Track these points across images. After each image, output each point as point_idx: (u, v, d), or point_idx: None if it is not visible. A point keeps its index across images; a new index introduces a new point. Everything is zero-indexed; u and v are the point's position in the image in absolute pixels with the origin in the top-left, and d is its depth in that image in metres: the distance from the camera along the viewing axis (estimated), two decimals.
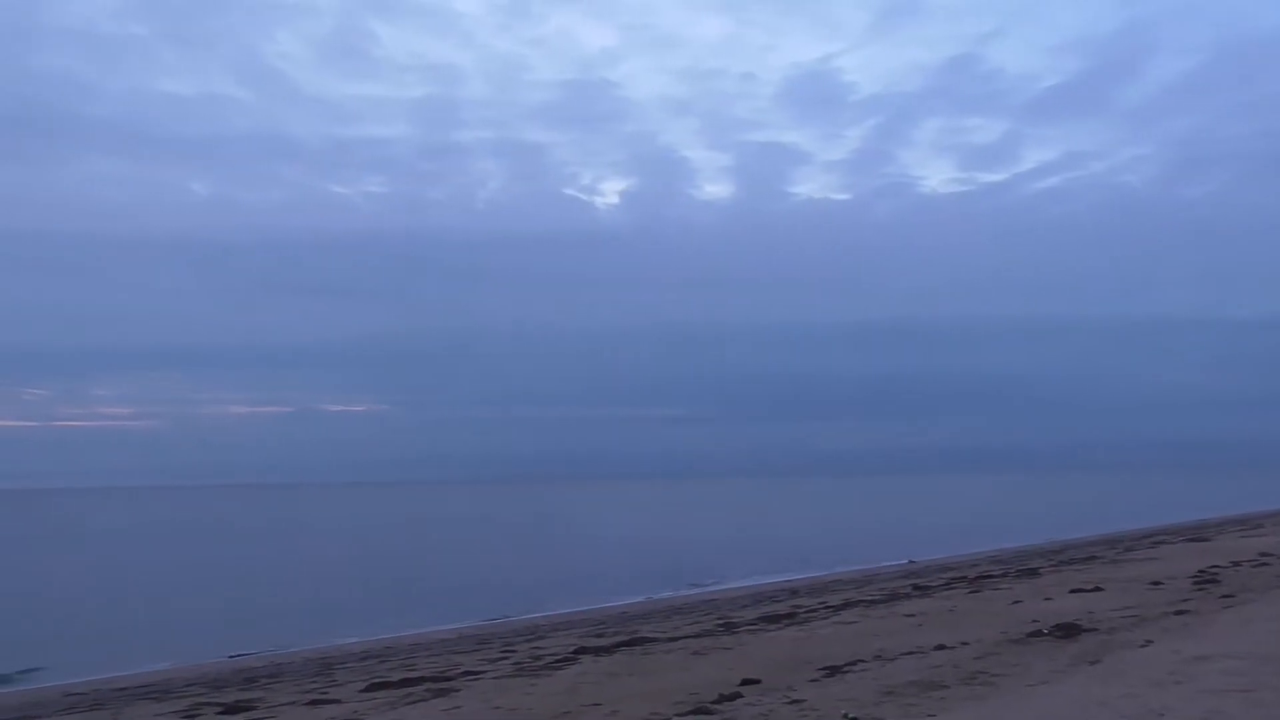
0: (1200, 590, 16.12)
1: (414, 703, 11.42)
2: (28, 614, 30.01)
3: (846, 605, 19.04)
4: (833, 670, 10.68)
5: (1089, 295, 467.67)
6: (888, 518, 76.79)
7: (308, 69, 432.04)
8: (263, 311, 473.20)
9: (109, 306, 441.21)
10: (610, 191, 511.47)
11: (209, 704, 13.19)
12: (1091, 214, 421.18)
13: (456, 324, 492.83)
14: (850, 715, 8.26)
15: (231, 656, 21.18)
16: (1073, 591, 16.96)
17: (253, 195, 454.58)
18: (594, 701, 10.18)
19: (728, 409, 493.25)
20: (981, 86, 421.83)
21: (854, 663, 11.05)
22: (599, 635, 17.70)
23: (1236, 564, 20.23)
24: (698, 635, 15.79)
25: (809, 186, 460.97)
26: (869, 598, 20.44)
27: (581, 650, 14.72)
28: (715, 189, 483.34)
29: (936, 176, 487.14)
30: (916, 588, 21.75)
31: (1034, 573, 22.44)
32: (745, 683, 10.24)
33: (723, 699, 9.49)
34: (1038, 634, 12.04)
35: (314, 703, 12.38)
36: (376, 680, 13.68)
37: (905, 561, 35.42)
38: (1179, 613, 13.32)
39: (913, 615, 15.71)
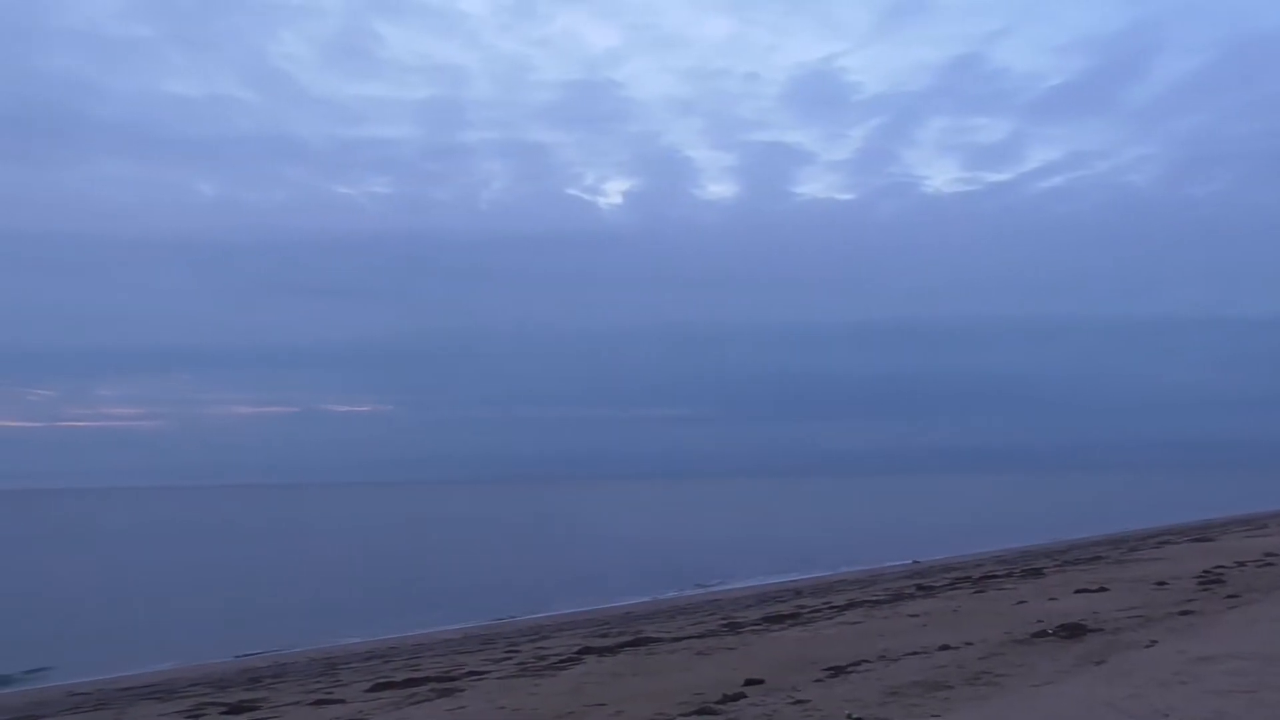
0: (1205, 590, 16.09)
1: (418, 703, 11.42)
2: (33, 614, 30.06)
3: (851, 605, 19.03)
4: (837, 670, 10.67)
5: (1094, 295, 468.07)
6: (892, 518, 76.71)
7: (313, 70, 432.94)
8: (268, 312, 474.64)
9: (114, 307, 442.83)
10: (614, 191, 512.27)
11: (213, 704, 13.20)
12: (1096, 213, 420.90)
13: (461, 324, 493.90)
14: (854, 715, 8.25)
15: (238, 656, 21.21)
16: (1078, 592, 16.93)
17: (258, 196, 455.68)
18: (598, 702, 10.18)
19: (731, 409, 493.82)
20: (986, 86, 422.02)
21: (858, 663, 11.04)
22: (603, 635, 17.70)
23: (1241, 564, 20.18)
24: (702, 635, 15.79)
25: (813, 186, 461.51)
26: (873, 598, 20.42)
27: (586, 650, 14.72)
28: (719, 189, 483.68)
29: (941, 176, 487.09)
30: (921, 588, 21.73)
31: (1039, 573, 22.41)
32: (749, 683, 10.23)
33: (727, 699, 9.48)
34: (1042, 634, 12.02)
35: (318, 703, 12.39)
36: (381, 680, 13.69)
37: (909, 562, 35.38)
38: (1184, 613, 13.29)
39: (917, 615, 15.70)
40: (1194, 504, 69.01)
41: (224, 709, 12.58)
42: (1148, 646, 10.60)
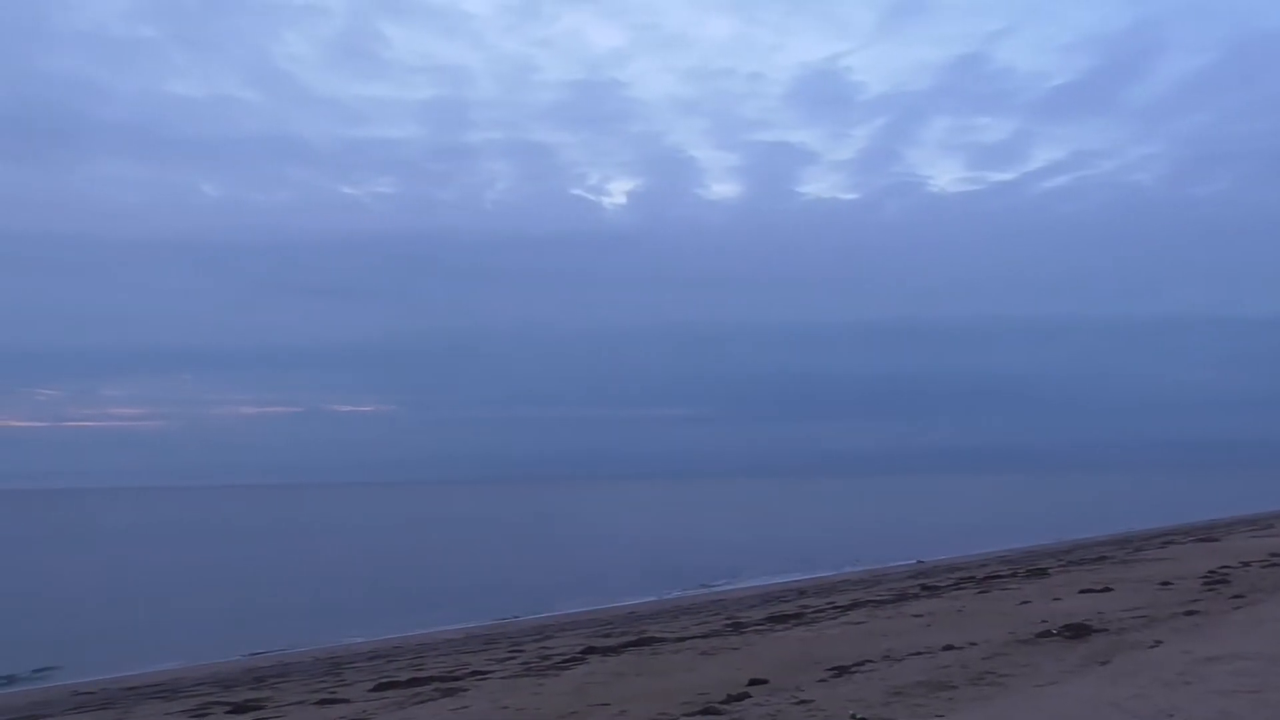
0: (1210, 591, 16.06)
1: (422, 702, 11.43)
2: (39, 614, 30.13)
3: (854, 605, 19.01)
4: (840, 670, 10.67)
5: (1098, 294, 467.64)
6: (896, 518, 76.66)
7: (317, 70, 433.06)
8: (272, 312, 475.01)
9: (119, 307, 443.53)
10: (618, 191, 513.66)
11: (218, 703, 13.22)
12: (1101, 213, 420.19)
13: (464, 324, 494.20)
14: (858, 715, 8.24)
15: (247, 655, 21.26)
16: (1082, 592, 16.91)
17: (262, 196, 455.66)
18: (602, 701, 10.18)
19: (735, 409, 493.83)
20: (990, 85, 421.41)
21: (862, 663, 11.03)
22: (606, 635, 17.70)
23: (1246, 564, 20.13)
24: (705, 635, 15.79)
25: (817, 186, 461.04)
26: (877, 598, 20.41)
27: (589, 650, 14.72)
28: (723, 189, 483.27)
29: (945, 176, 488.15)
30: (925, 588, 21.71)
31: (1043, 573, 22.38)
32: (753, 683, 10.23)
33: (730, 699, 9.48)
34: (1047, 634, 12.00)
35: (323, 702, 12.40)
36: (385, 680, 13.70)
37: (913, 562, 35.35)
38: (1189, 613, 13.26)
39: (921, 615, 15.68)
40: (1199, 504, 68.90)
41: (229, 708, 12.59)
42: (1152, 647, 10.58)
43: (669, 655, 13.49)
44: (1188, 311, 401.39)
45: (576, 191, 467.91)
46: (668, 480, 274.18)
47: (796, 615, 18.10)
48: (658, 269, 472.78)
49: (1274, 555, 21.70)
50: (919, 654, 11.44)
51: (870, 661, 11.11)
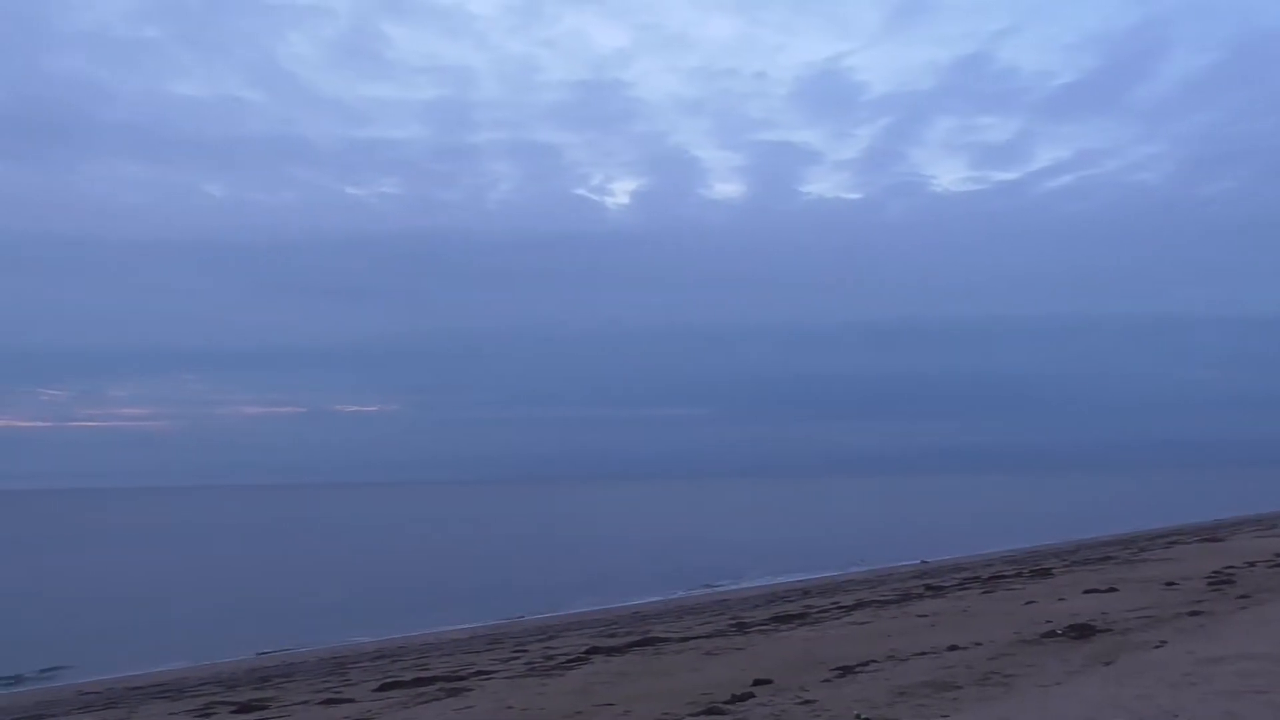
0: (1215, 591, 16.02)
1: (427, 702, 11.45)
2: (45, 614, 30.23)
3: (859, 605, 19.01)
4: (845, 670, 10.67)
5: (1103, 294, 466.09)
6: (900, 518, 76.61)
7: (321, 71, 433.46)
8: (276, 312, 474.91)
9: (123, 308, 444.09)
10: (622, 191, 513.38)
11: (222, 703, 13.26)
12: (1105, 212, 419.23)
13: (469, 324, 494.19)
14: (863, 716, 8.24)
15: (255, 655, 21.32)
16: (1087, 592, 16.89)
17: (266, 197, 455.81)
18: (606, 701, 10.19)
19: (738, 409, 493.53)
20: (994, 85, 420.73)
21: (866, 663, 11.03)
22: (611, 635, 17.72)
23: (1252, 564, 20.08)
24: (710, 635, 15.79)
25: (820, 186, 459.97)
26: (881, 598, 20.40)
27: (594, 650, 14.73)
28: (726, 188, 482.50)
29: (949, 175, 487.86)
30: (929, 588, 21.70)
31: (1047, 573, 22.35)
32: (757, 683, 10.23)
33: (735, 699, 9.48)
34: (1052, 634, 11.98)
35: (327, 701, 12.43)
36: (389, 679, 13.72)
37: (918, 562, 35.33)
38: (1194, 613, 13.24)
39: (926, 615, 15.68)
40: (1204, 504, 68.79)
41: (233, 708, 12.63)
42: (1157, 647, 10.56)
43: (673, 655, 13.49)
44: (1193, 311, 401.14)
45: (580, 192, 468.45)
46: (672, 480, 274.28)
47: (801, 615, 18.10)
48: (661, 269, 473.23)
49: (1279, 555, 21.65)
50: (924, 654, 11.43)
51: (875, 662, 11.11)
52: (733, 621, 18.11)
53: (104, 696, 16.31)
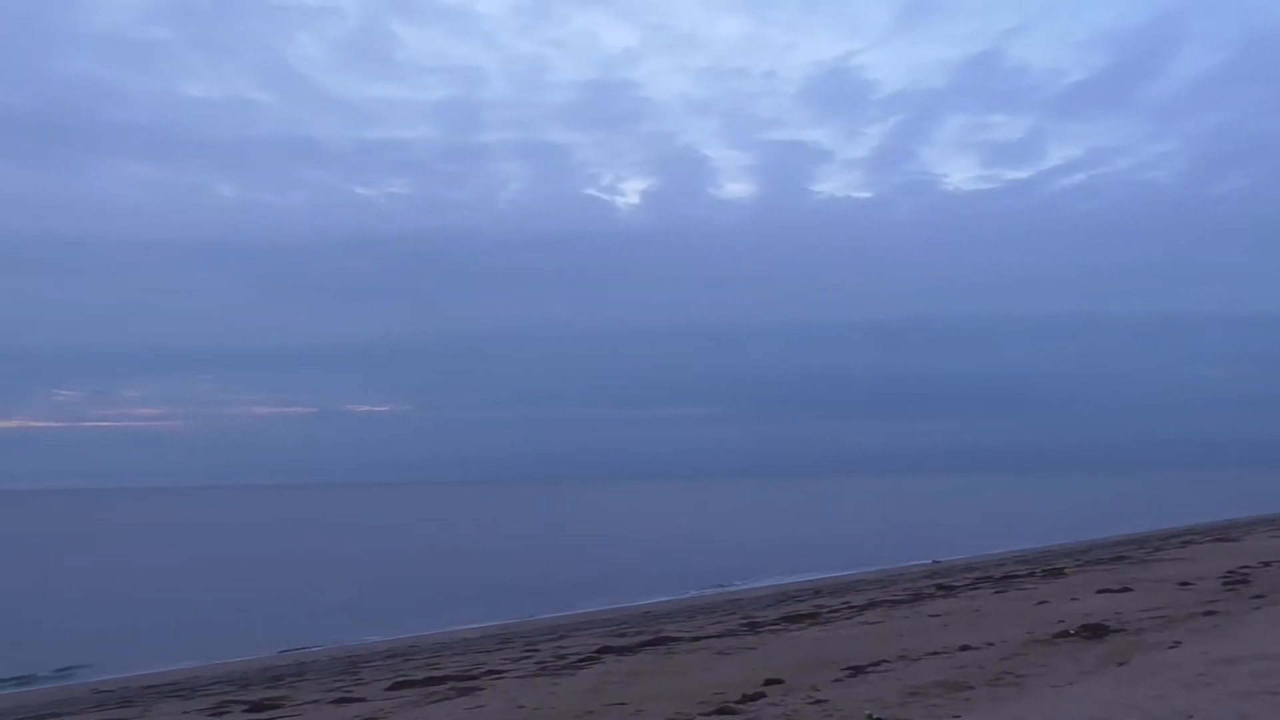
0: (1230, 591, 15.94)
1: (438, 701, 11.47)
2: (59, 614, 30.40)
3: (870, 605, 18.97)
4: (856, 670, 10.65)
5: (1114, 293, 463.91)
6: (910, 517, 76.44)
7: (330, 72, 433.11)
8: (286, 312, 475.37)
9: (134, 308, 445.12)
10: (631, 191, 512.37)
11: (235, 702, 13.31)
12: (1117, 211, 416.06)
13: (479, 324, 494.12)
14: (874, 715, 8.22)
15: (269, 654, 21.40)
16: (1100, 592, 16.82)
17: (277, 197, 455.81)
18: (617, 701, 10.19)
19: (748, 408, 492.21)
20: (1005, 83, 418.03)
21: (878, 663, 11.01)
22: (622, 635, 17.72)
23: (1266, 564, 19.97)
24: (721, 635, 15.79)
25: (831, 185, 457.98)
26: (893, 598, 20.36)
27: (605, 650, 14.74)
28: (736, 188, 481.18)
29: (959, 174, 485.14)
30: (941, 588, 21.65)
31: (1060, 573, 22.27)
32: (769, 683, 10.22)
33: (746, 699, 9.48)
34: (1064, 634, 11.94)
35: (339, 701, 12.46)
36: (401, 679, 13.76)
37: (929, 561, 35.24)
38: (1208, 613, 13.17)
39: (937, 615, 15.64)
40: (1217, 504, 68.41)
41: (246, 707, 12.67)
42: (1171, 647, 10.52)
43: (684, 655, 13.49)
44: (1204, 309, 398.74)
45: (590, 192, 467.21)
46: (682, 480, 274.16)
47: (812, 615, 18.07)
48: (671, 269, 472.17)
49: None
50: (935, 654, 11.40)
51: (886, 661, 11.09)
52: (744, 621, 18.10)
53: (118, 695, 16.40)
